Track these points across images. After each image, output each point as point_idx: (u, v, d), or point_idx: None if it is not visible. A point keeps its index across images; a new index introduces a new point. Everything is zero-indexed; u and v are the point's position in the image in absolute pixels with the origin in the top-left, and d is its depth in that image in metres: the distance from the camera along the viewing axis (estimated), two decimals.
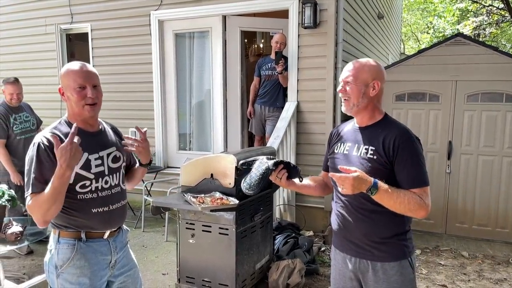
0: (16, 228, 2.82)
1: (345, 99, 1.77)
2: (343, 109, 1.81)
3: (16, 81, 3.98)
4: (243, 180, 1.79)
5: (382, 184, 1.59)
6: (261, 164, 1.77)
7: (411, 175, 1.65)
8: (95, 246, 1.77)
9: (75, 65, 1.75)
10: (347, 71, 1.78)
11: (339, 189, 1.57)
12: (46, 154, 1.63)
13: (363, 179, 1.55)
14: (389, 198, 1.60)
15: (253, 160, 1.83)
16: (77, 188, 1.72)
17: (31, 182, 1.63)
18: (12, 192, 3.04)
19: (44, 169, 1.62)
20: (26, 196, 1.63)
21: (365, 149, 1.73)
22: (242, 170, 1.88)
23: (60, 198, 1.59)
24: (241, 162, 1.86)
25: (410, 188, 1.64)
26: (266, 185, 1.81)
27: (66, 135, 1.69)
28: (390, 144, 1.68)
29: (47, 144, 1.65)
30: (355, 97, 1.74)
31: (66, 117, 1.80)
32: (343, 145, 1.84)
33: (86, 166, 1.73)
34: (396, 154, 1.66)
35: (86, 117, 1.77)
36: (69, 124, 1.76)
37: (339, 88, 1.80)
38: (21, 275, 3.52)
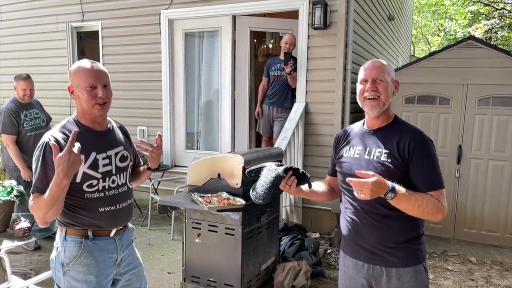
0: (24, 224, 2.83)
1: (373, 98, 1.68)
2: (370, 109, 1.70)
3: (28, 77, 4.05)
4: (251, 188, 1.72)
5: (400, 188, 1.54)
6: (270, 171, 1.69)
7: (427, 177, 1.62)
8: (102, 244, 1.78)
9: (86, 63, 1.74)
10: (374, 69, 1.70)
11: (356, 194, 1.51)
12: (52, 155, 1.61)
13: (381, 183, 1.49)
14: (408, 202, 1.55)
15: (261, 167, 1.74)
16: (84, 187, 1.72)
17: (34, 181, 1.64)
18: (21, 187, 3.06)
19: (48, 170, 1.62)
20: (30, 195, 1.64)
21: (378, 152, 1.68)
22: (249, 178, 1.79)
23: (58, 203, 1.59)
24: (248, 169, 1.79)
25: (427, 191, 1.60)
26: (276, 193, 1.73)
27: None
28: (405, 147, 1.64)
29: (54, 144, 1.64)
30: (386, 96, 1.69)
31: (75, 115, 1.80)
32: (353, 148, 1.78)
33: (94, 165, 1.73)
34: (412, 157, 1.62)
35: (96, 116, 1.77)
36: (78, 123, 1.76)
37: (368, 85, 1.69)
38: (28, 270, 3.54)
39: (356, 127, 1.87)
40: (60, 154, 1.51)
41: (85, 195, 1.72)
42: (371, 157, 1.69)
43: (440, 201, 1.59)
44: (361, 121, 1.86)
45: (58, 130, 1.73)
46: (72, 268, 1.72)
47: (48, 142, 1.64)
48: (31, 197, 1.63)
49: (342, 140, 1.88)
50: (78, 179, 1.69)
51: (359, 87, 1.75)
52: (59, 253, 1.76)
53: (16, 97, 4.05)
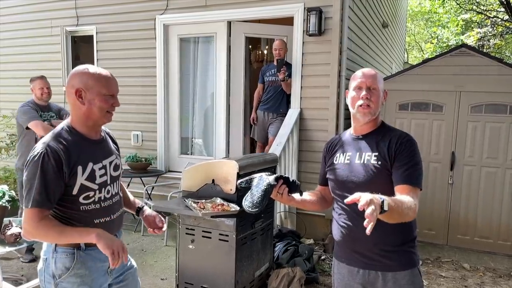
0: (15, 229, 2.80)
1: (368, 105, 1.71)
2: (362, 116, 1.73)
3: (44, 76, 4.02)
4: (244, 199, 1.73)
5: (386, 197, 1.44)
6: (262, 180, 1.71)
7: (408, 171, 1.62)
8: (94, 253, 1.73)
9: (103, 70, 1.71)
10: (369, 77, 1.73)
11: (361, 208, 1.33)
12: (51, 166, 1.56)
13: (374, 197, 1.36)
14: (397, 207, 1.45)
15: (252, 178, 1.76)
16: (80, 199, 1.67)
17: (32, 195, 1.55)
18: (13, 192, 3.03)
19: (48, 182, 1.56)
20: (24, 207, 1.58)
21: (368, 156, 1.71)
22: (241, 189, 1.81)
23: (56, 241, 1.63)
24: (239, 181, 1.80)
25: (403, 183, 1.60)
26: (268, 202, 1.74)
27: (71, 143, 1.64)
28: (393, 146, 1.68)
29: (52, 155, 1.57)
30: (376, 105, 1.73)
31: (69, 122, 1.72)
32: (343, 155, 1.81)
33: (91, 177, 1.68)
34: (398, 153, 1.66)
35: (99, 124, 1.74)
36: (73, 131, 1.69)
37: (364, 93, 1.71)
38: (19, 276, 3.50)
39: (344, 135, 1.90)
40: (119, 242, 1.59)
41: (81, 207, 1.68)
42: (362, 161, 1.72)
43: (414, 200, 1.55)
44: (349, 129, 1.90)
45: (53, 138, 1.64)
46: (65, 279, 1.67)
47: (45, 152, 1.57)
48: (26, 212, 1.56)
49: (331, 149, 1.91)
50: (75, 191, 1.64)
51: (351, 93, 1.78)
52: (48, 264, 1.70)
53: (33, 98, 3.95)
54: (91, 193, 1.69)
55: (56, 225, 1.60)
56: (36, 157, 1.57)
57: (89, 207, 1.70)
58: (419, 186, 1.63)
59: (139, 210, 2.05)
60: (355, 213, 1.72)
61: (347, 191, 1.74)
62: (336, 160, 1.83)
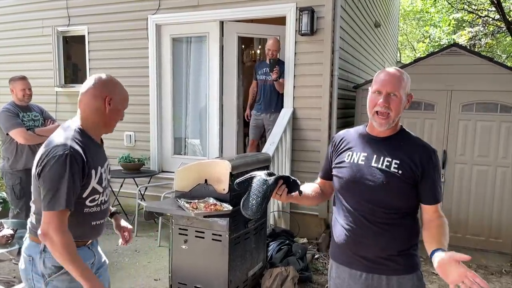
0: (6, 231, 2.79)
1: (384, 115, 1.60)
2: (378, 125, 1.64)
3: (25, 77, 3.88)
4: (242, 201, 1.63)
5: (443, 247, 1.51)
6: (260, 182, 1.60)
7: (434, 192, 1.66)
8: (82, 253, 1.74)
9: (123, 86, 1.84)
10: (390, 82, 1.61)
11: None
12: (77, 168, 1.58)
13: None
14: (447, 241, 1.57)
15: (251, 177, 1.65)
16: (87, 202, 1.69)
17: (59, 197, 1.54)
18: (4, 194, 3.01)
19: (75, 183, 1.58)
20: (47, 209, 1.55)
21: (388, 161, 1.63)
22: (238, 189, 1.70)
23: (60, 258, 1.61)
24: (237, 180, 1.68)
25: (431, 204, 1.65)
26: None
27: (85, 146, 1.66)
28: (417, 160, 1.62)
29: (77, 156, 1.59)
30: (396, 113, 1.62)
31: (80, 124, 1.72)
32: (356, 154, 1.70)
33: (100, 180, 1.71)
34: (423, 170, 1.62)
35: (107, 131, 1.81)
36: (84, 134, 1.70)
37: (381, 100, 1.60)
38: (11, 278, 3.47)
39: (357, 132, 1.78)
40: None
41: (85, 209, 1.70)
42: (380, 165, 1.63)
43: (440, 214, 1.67)
44: (361, 126, 1.80)
45: (70, 140, 1.62)
46: (56, 278, 1.68)
47: (71, 154, 1.57)
48: (52, 215, 1.54)
49: (340, 144, 1.79)
50: (85, 194, 1.66)
51: (370, 95, 1.67)
52: (35, 263, 1.69)
53: (14, 100, 3.84)
54: (97, 196, 1.72)
55: (75, 247, 1.61)
56: (62, 158, 1.55)
57: (92, 209, 1.72)
58: (440, 200, 1.68)
59: (112, 214, 2.07)
60: (362, 217, 1.66)
61: (357, 193, 1.67)
62: (347, 159, 1.71)
